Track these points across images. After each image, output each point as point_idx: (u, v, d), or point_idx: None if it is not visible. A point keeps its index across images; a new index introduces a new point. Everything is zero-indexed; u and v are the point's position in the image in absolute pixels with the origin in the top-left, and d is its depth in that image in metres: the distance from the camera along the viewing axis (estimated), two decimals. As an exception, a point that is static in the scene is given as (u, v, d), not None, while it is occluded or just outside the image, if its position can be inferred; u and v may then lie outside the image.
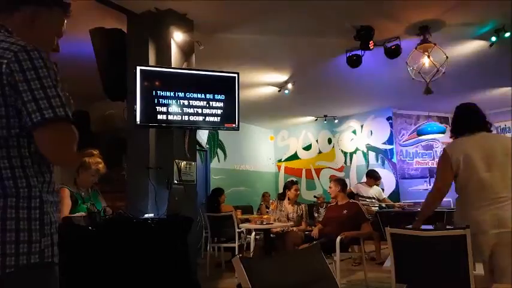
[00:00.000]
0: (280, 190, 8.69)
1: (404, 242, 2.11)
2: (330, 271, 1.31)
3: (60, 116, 0.91)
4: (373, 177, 5.62)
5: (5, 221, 0.90)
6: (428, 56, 4.17)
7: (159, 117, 3.22)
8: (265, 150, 9.15)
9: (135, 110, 3.12)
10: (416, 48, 4.15)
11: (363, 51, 4.29)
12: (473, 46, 4.63)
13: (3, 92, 0.91)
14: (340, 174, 7.93)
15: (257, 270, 1.08)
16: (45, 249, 0.95)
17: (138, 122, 3.15)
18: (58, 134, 0.93)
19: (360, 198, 5.41)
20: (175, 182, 3.18)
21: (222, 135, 7.87)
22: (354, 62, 4.44)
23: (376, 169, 6.24)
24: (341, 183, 4.21)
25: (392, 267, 2.10)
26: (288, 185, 4.77)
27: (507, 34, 4.12)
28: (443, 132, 7.18)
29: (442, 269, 2.02)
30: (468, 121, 2.29)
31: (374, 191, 5.58)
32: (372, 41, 4.04)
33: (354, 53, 4.42)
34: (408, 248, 2.12)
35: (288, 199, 4.68)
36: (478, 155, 2.16)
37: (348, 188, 5.00)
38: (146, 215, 2.91)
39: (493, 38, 4.23)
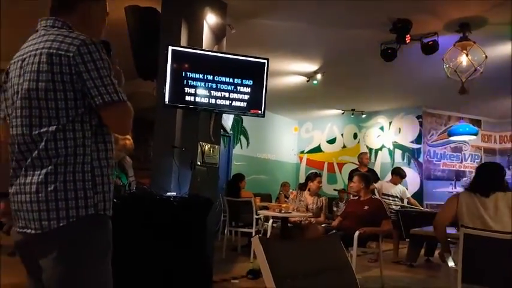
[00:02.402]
0: (301, 181, 8.69)
1: (477, 242, 2.18)
2: (348, 260, 1.31)
3: (115, 99, 1.16)
4: (398, 175, 5.49)
5: (66, 182, 1.13)
6: (467, 55, 3.98)
7: (187, 98, 3.26)
8: (288, 140, 9.11)
9: (164, 90, 3.17)
10: (454, 45, 3.98)
11: (398, 45, 4.16)
12: (513, 47, 4.39)
13: (71, 80, 1.14)
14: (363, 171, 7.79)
15: (275, 252, 1.09)
16: (98, 203, 1.16)
17: (167, 102, 3.20)
18: (116, 113, 1.19)
19: (383, 196, 5.32)
20: (199, 163, 3.24)
21: (246, 122, 7.90)
22: (389, 55, 4.31)
23: (402, 167, 6.09)
24: (365, 178, 4.14)
25: (460, 267, 2.17)
26: (311, 177, 4.75)
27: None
28: (475, 134, 6.90)
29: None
30: (487, 183, 2.50)
31: (398, 189, 5.47)
32: (408, 35, 3.91)
33: (388, 46, 4.29)
34: (481, 249, 2.20)
35: (309, 190, 4.66)
36: (486, 215, 2.39)
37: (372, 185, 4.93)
38: (169, 193, 2.98)
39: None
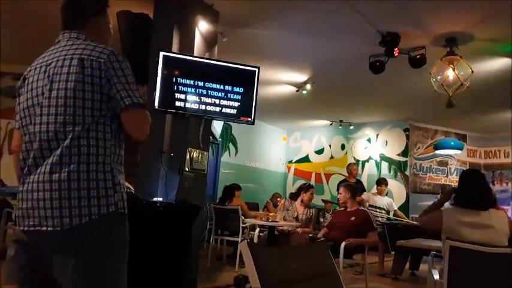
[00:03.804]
0: (289, 190, 8.68)
1: (463, 256, 2.12)
2: (335, 268, 1.29)
3: (141, 103, 1.24)
4: (383, 184, 5.59)
5: (89, 180, 1.16)
6: (453, 69, 4.08)
7: (177, 104, 3.24)
8: (277, 149, 9.12)
9: (155, 95, 3.15)
10: (441, 59, 4.07)
11: (386, 58, 4.23)
12: (499, 63, 4.53)
13: (100, 83, 1.21)
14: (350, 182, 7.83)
15: (263, 258, 1.07)
16: (118, 201, 1.20)
17: (156, 107, 3.17)
18: (140, 114, 1.26)
19: (370, 207, 5.35)
20: (187, 169, 3.20)
21: (235, 130, 7.89)
22: (377, 68, 4.38)
23: (388, 180, 6.16)
24: (351, 189, 4.16)
25: (445, 281, 2.12)
26: (304, 188, 4.78)
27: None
28: (460, 149, 7.04)
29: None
30: (472, 196, 2.37)
31: (385, 201, 5.52)
32: (397, 48, 3.99)
33: (377, 58, 4.36)
34: (467, 263, 2.14)
35: (302, 201, 4.67)
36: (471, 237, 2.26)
37: (359, 195, 4.97)
38: (155, 199, 2.93)
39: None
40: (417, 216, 6.01)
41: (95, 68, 1.20)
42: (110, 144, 1.24)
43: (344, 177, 6.50)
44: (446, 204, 2.71)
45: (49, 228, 1.12)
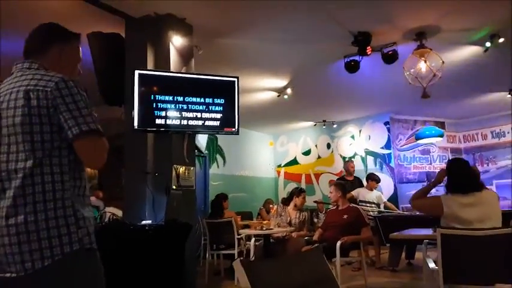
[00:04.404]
0: (280, 194, 8.68)
1: (455, 242, 2.21)
2: (331, 273, 1.29)
3: (93, 128, 1.16)
4: (374, 180, 5.61)
5: (47, 220, 1.09)
6: (425, 61, 4.18)
7: (158, 121, 3.20)
8: (265, 155, 9.13)
9: (133, 115, 3.11)
10: (413, 53, 4.17)
11: (360, 57, 4.31)
12: (468, 51, 4.66)
13: (48, 113, 1.15)
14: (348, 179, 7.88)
15: (258, 272, 1.06)
16: (83, 237, 1.14)
17: (136, 127, 3.13)
18: (92, 143, 1.18)
19: (360, 203, 5.39)
20: (174, 187, 3.16)
21: (221, 140, 7.85)
22: (352, 67, 4.46)
23: (375, 173, 6.22)
24: (341, 187, 4.19)
25: (440, 268, 2.18)
26: (296, 192, 4.79)
27: (501, 40, 4.16)
28: (441, 136, 7.19)
29: (499, 267, 2.13)
30: (464, 181, 2.54)
31: (374, 195, 5.57)
32: (369, 47, 4.06)
33: (351, 58, 4.44)
34: (459, 248, 2.22)
35: (295, 206, 4.67)
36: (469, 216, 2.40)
37: (349, 192, 5.00)
38: (144, 222, 2.88)
39: (488, 44, 4.27)
40: (407, 206, 6.11)
41: (41, 99, 1.14)
42: (68, 177, 1.16)
43: (342, 176, 6.49)
44: (434, 191, 2.86)
45: (13, 274, 1.07)
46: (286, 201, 5.21)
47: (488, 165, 7.97)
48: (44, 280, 1.08)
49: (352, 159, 7.92)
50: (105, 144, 1.21)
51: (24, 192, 1.10)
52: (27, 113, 1.13)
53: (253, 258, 4.26)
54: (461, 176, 2.57)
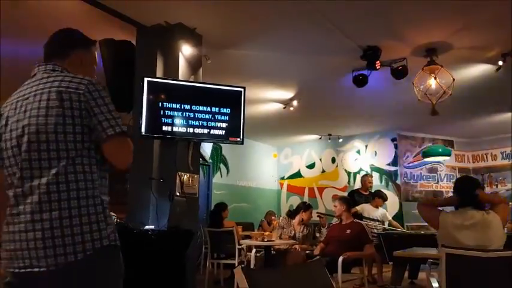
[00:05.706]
0: (282, 207, 8.61)
1: (460, 262, 2.16)
2: (332, 285, 1.27)
3: (124, 131, 1.23)
4: (381, 198, 5.54)
5: (81, 216, 1.14)
6: (435, 78, 4.17)
7: (164, 128, 3.22)
8: (268, 167, 9.11)
9: (141, 121, 3.13)
10: (423, 69, 4.17)
11: (369, 71, 4.31)
12: (480, 70, 4.64)
13: (80, 115, 1.20)
14: (343, 194, 7.82)
15: (259, 281, 1.05)
16: (111, 234, 1.19)
17: (143, 133, 3.15)
18: (123, 144, 1.24)
19: (364, 219, 5.32)
20: (178, 194, 3.16)
21: (226, 150, 7.86)
22: (360, 81, 4.46)
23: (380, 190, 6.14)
24: (346, 202, 4.15)
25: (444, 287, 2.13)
26: (303, 207, 4.79)
27: (514, 58, 4.14)
28: (448, 155, 7.12)
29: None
30: (464, 197, 2.55)
31: (379, 212, 5.50)
32: (378, 61, 4.07)
33: (360, 72, 4.44)
34: (464, 269, 2.17)
35: (302, 220, 4.66)
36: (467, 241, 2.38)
37: (354, 208, 4.94)
38: (147, 227, 2.87)
39: (500, 62, 4.25)
40: (412, 224, 6.01)
41: (74, 100, 1.19)
42: (96, 176, 1.22)
43: (357, 189, 6.36)
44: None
45: (42, 269, 1.09)
46: (291, 215, 5.18)
47: (497, 186, 7.85)
48: (74, 274, 1.10)
49: (357, 174, 7.86)
50: (132, 145, 1.27)
51: (59, 189, 1.14)
52: (61, 113, 1.18)
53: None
54: (464, 192, 2.57)
